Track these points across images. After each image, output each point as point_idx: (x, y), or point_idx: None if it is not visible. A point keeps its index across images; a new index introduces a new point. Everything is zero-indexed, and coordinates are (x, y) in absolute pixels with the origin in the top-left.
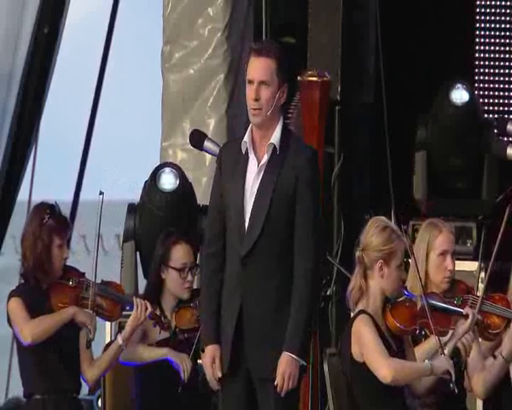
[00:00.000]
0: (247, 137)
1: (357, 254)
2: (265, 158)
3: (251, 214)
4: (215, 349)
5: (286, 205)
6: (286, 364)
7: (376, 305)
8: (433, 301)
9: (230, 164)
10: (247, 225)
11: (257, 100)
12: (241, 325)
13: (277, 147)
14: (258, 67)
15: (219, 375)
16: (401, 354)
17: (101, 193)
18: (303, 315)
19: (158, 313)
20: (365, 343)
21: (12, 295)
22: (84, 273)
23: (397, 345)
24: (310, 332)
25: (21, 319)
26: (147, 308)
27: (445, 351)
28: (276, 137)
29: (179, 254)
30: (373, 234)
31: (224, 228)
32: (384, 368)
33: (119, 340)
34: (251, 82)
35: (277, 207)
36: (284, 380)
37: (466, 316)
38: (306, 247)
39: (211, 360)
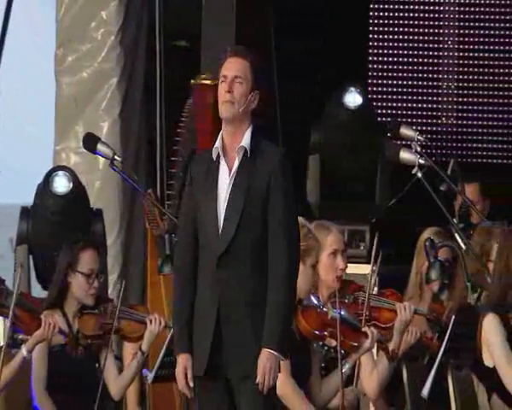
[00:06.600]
0: (218, 143)
1: None
2: (236, 162)
3: (224, 219)
4: (187, 359)
5: (259, 209)
6: (266, 359)
7: None
8: (345, 315)
9: (201, 175)
10: (220, 229)
11: (229, 92)
12: (219, 328)
13: (248, 150)
14: (234, 65)
15: (191, 384)
16: (307, 358)
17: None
18: (280, 313)
19: (69, 334)
20: None
21: None
22: (4, 281)
23: (303, 348)
24: (289, 329)
25: None
26: (54, 327)
27: (345, 368)
28: (246, 140)
29: (87, 259)
30: None
31: (195, 239)
32: None
33: (24, 351)
34: (225, 78)
35: (250, 212)
36: (265, 375)
37: (366, 334)
38: (281, 248)
39: (183, 370)
